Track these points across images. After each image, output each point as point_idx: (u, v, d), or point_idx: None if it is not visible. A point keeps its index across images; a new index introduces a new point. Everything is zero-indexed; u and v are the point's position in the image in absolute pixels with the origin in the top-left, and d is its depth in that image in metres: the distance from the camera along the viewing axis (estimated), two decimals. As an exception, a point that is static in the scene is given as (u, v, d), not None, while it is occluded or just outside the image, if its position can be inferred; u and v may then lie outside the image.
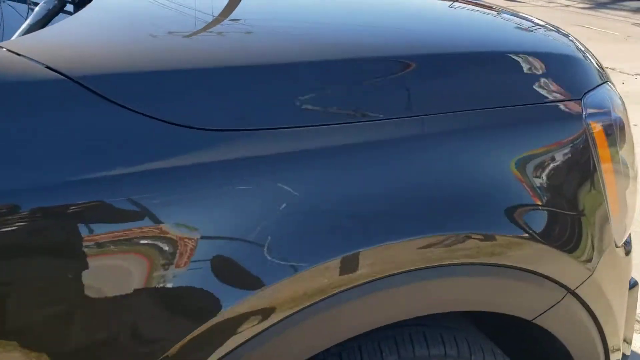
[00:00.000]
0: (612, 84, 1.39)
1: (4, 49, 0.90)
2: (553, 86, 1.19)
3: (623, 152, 1.29)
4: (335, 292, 0.93)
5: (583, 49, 1.37)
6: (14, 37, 1.07)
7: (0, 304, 0.79)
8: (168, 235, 0.84)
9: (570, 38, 1.40)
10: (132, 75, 0.90)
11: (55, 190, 0.79)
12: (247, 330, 0.89)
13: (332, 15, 1.36)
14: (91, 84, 0.85)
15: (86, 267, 0.81)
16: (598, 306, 1.22)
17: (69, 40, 1.00)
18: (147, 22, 1.14)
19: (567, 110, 1.18)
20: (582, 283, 1.19)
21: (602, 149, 1.23)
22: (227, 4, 1.35)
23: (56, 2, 1.20)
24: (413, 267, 0.99)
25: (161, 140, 0.86)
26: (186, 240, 0.85)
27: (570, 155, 1.19)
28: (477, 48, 1.20)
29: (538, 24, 1.45)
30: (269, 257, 0.89)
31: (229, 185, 0.88)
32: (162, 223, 0.84)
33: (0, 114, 0.81)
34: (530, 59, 1.20)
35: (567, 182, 1.19)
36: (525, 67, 1.19)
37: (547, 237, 1.13)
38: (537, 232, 1.12)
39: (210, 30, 1.17)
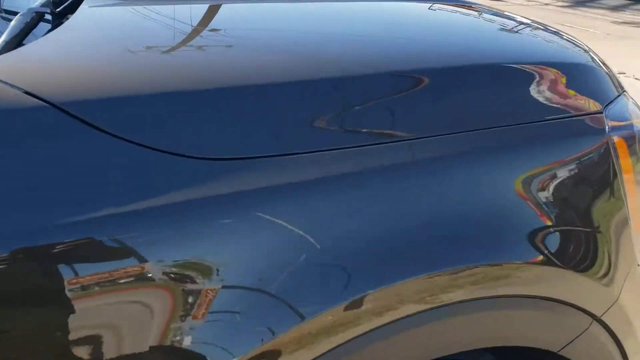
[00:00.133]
0: (627, 93, 1.32)
1: (-24, 72, 0.80)
2: (576, 99, 1.12)
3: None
4: (349, 337, 0.84)
5: (598, 59, 1.30)
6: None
7: None
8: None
9: (585, 47, 1.32)
10: (124, 100, 0.80)
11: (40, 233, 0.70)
12: None
13: (331, 28, 1.27)
14: (77, 111, 0.75)
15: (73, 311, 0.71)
16: (624, 333, 1.14)
17: (50, 60, 0.89)
18: (137, 40, 1.04)
19: (591, 124, 1.11)
20: (608, 309, 1.11)
21: (625, 164, 1.16)
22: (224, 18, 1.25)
23: (34, 14, 1.09)
24: (426, 307, 0.90)
25: (158, 173, 0.77)
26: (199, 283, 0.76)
27: (592, 173, 1.11)
28: (496, 60, 1.11)
29: (552, 31, 1.37)
30: (279, 303, 0.79)
31: (225, 220, 0.78)
32: (159, 262, 0.74)
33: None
34: (552, 71, 1.12)
35: (590, 202, 1.11)
36: (549, 80, 1.11)
37: (572, 261, 1.05)
38: (560, 256, 1.04)
39: (210, 47, 1.07)
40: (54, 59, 0.90)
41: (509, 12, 1.58)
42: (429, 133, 0.94)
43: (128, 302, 0.74)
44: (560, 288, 1.04)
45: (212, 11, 1.24)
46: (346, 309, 0.83)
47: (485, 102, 1.02)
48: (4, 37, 0.99)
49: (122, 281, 0.73)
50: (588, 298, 1.09)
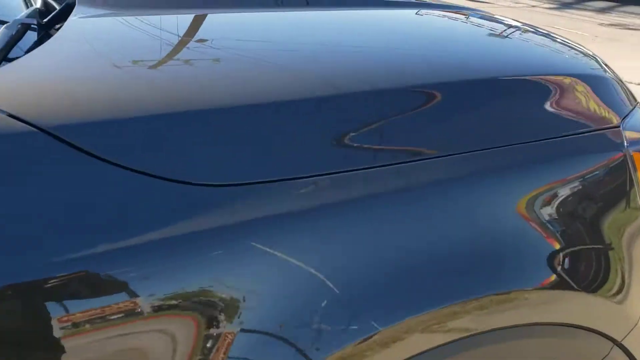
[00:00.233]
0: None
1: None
2: (596, 112, 1.06)
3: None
4: None
5: (609, 70, 1.25)
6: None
7: None
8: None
9: (597, 58, 1.27)
10: (119, 123, 0.74)
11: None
12: None
13: (340, 40, 1.20)
14: (68, 136, 0.69)
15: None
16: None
17: (37, 79, 0.82)
18: (130, 55, 0.96)
19: (610, 138, 1.06)
20: (629, 333, 1.06)
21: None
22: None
23: (19, 26, 1.01)
24: (441, 342, 0.84)
25: (159, 201, 0.70)
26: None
27: (610, 190, 1.07)
28: (515, 73, 1.05)
29: (565, 43, 1.32)
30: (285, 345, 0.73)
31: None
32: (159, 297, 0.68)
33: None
34: (573, 82, 1.07)
35: (608, 221, 1.06)
36: (571, 93, 1.06)
37: (588, 282, 1.00)
38: (581, 279, 0.99)
39: (206, 61, 1.00)
40: (43, 78, 0.83)
41: (506, 18, 1.53)
42: (444, 152, 0.88)
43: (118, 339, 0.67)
44: (585, 314, 0.99)
45: (211, 21, 1.18)
46: (353, 347, 0.77)
47: (507, 117, 0.96)
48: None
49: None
50: (607, 322, 1.04)
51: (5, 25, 1.00)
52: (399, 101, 0.90)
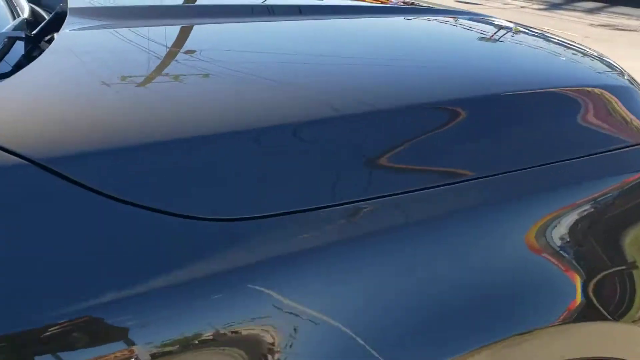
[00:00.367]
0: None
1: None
2: (630, 127, 1.00)
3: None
4: None
5: (631, 79, 1.19)
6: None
7: None
8: None
9: (618, 66, 1.22)
10: (119, 154, 0.66)
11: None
12: None
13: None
14: (66, 170, 0.62)
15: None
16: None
17: (28, 104, 0.74)
18: (125, 73, 0.89)
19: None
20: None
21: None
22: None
23: (6, 39, 0.94)
24: None
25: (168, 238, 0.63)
26: None
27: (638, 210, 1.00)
28: (541, 86, 0.98)
29: (586, 53, 1.26)
30: None
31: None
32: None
33: None
34: (608, 95, 1.00)
35: (635, 241, 1.00)
36: (607, 106, 1.00)
37: (624, 313, 0.94)
38: (612, 308, 0.93)
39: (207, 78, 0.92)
40: (34, 101, 0.75)
41: (517, 22, 1.47)
42: (472, 175, 0.82)
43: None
44: (617, 345, 0.93)
45: (212, 32, 1.10)
46: None
47: (542, 134, 0.89)
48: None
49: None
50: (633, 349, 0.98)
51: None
52: (423, 120, 0.84)
